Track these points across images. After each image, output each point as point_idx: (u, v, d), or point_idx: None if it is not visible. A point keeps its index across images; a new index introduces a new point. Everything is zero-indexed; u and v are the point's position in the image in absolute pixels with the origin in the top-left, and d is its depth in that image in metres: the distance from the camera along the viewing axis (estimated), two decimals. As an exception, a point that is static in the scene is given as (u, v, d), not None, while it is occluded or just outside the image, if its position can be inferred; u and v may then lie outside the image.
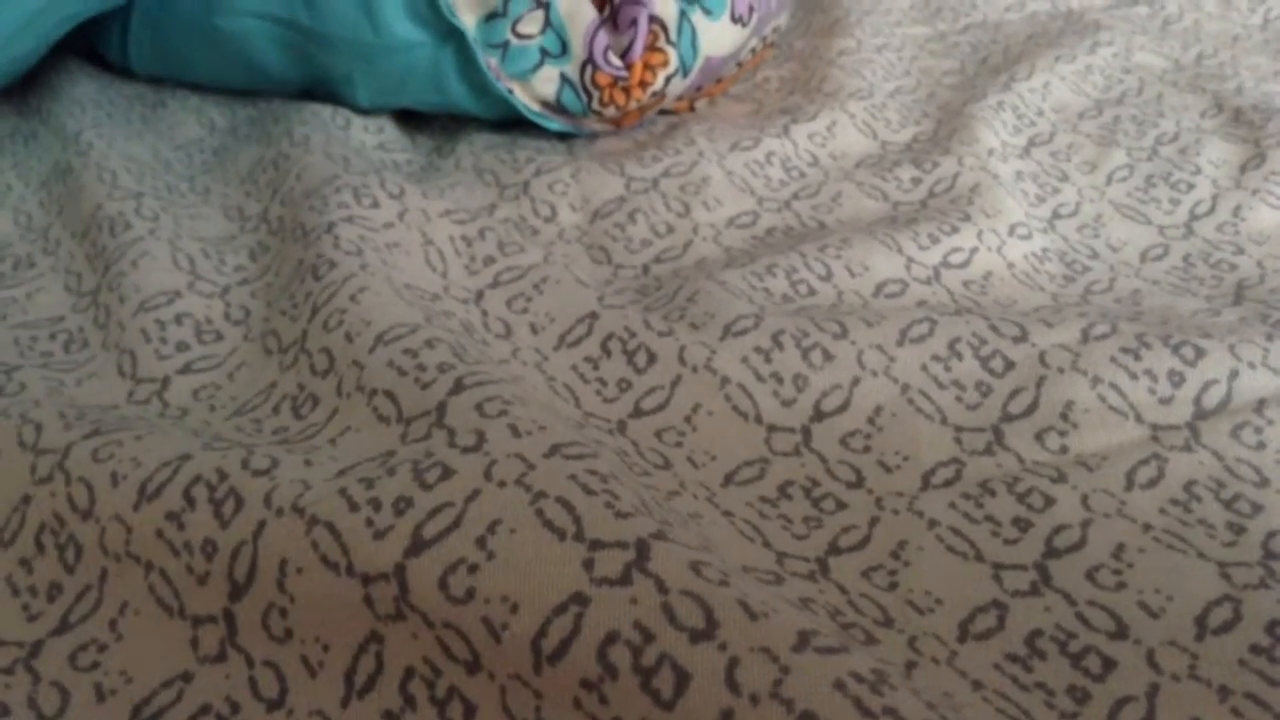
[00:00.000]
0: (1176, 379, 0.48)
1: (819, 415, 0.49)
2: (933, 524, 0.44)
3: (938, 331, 0.51)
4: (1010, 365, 0.49)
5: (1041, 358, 0.49)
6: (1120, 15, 0.97)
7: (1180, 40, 0.91)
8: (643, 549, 0.34)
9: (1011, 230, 0.63)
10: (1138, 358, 0.49)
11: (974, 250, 0.61)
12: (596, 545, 0.35)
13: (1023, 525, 0.43)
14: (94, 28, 0.80)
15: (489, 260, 0.60)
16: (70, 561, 0.41)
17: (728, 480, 0.46)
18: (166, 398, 0.51)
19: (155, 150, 0.73)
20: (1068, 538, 0.43)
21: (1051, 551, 0.42)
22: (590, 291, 0.57)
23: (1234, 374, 0.48)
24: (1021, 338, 0.50)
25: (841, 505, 0.45)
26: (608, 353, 0.53)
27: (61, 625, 0.40)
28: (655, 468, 0.46)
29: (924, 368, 0.50)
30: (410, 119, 0.80)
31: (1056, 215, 0.67)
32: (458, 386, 0.44)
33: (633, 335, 0.53)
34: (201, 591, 0.39)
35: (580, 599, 0.33)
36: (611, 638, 0.32)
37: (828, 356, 0.50)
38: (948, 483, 0.46)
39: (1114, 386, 0.48)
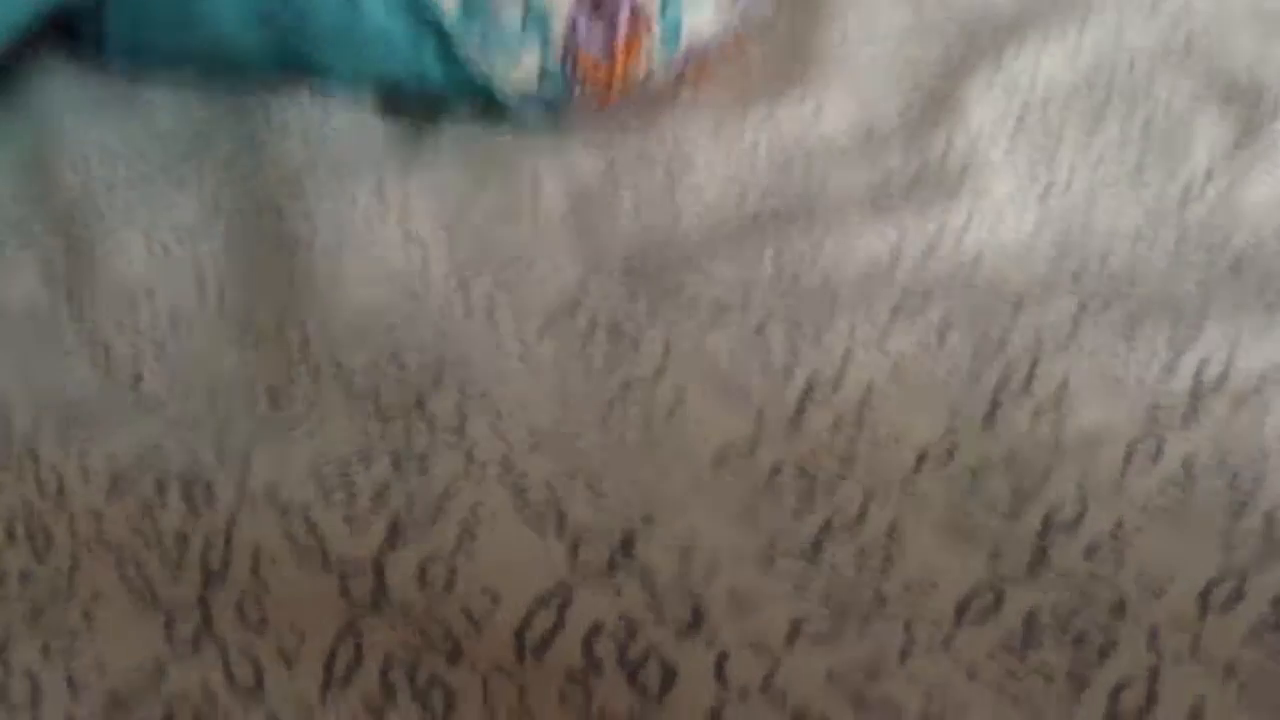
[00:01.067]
0: (1173, 356, 0.48)
1: (810, 396, 0.48)
2: (927, 504, 0.43)
3: (929, 311, 0.50)
4: (1003, 344, 0.48)
5: (1035, 335, 0.48)
6: (1110, -7, 0.97)
7: (1170, 19, 0.91)
8: (628, 537, 0.34)
9: (1002, 210, 0.62)
10: (1133, 335, 0.48)
11: (964, 230, 0.60)
12: (580, 534, 0.34)
13: (1018, 505, 0.42)
14: (69, 18, 0.79)
15: (471, 244, 0.59)
16: (40, 549, 0.41)
17: (718, 463, 0.45)
18: (141, 389, 0.50)
19: (131, 139, 0.72)
20: (1064, 516, 0.41)
21: (1048, 531, 0.41)
22: (574, 275, 0.56)
23: (1231, 350, 0.47)
24: (1014, 316, 0.49)
25: (834, 487, 0.44)
26: (593, 337, 0.51)
27: (33, 613, 0.39)
28: (643, 449, 0.45)
29: (917, 346, 0.49)
30: (390, 103, 0.79)
31: (1048, 194, 0.66)
32: (438, 375, 0.44)
33: (617, 321, 0.52)
34: (176, 580, 0.38)
35: (564, 590, 0.33)
36: (596, 630, 0.32)
37: (817, 338, 0.49)
38: (941, 463, 0.45)
39: (1110, 363, 0.47)
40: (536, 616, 0.32)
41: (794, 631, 0.31)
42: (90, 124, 0.72)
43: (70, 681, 0.37)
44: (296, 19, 0.71)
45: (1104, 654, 0.36)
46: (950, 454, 0.45)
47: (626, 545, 0.34)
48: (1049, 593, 0.39)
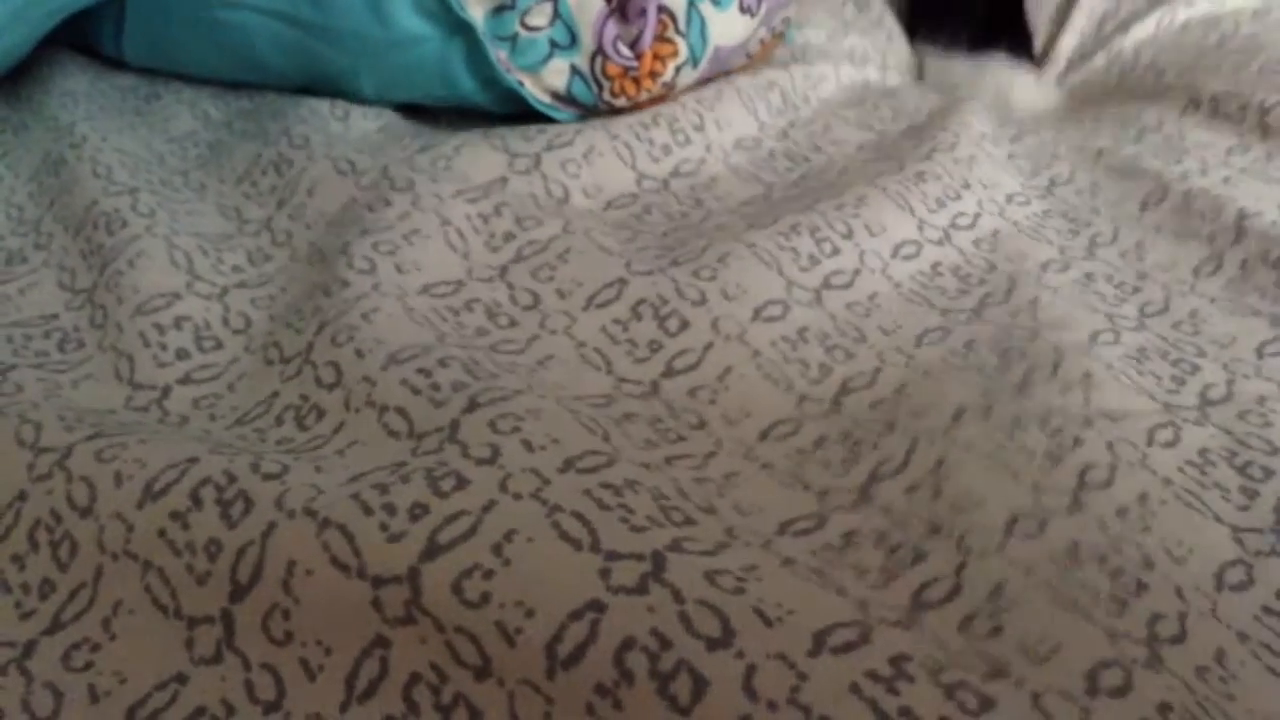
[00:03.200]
0: (1178, 381, 0.49)
1: (847, 389, 0.48)
2: (969, 446, 0.43)
3: (952, 337, 0.51)
4: (1023, 354, 0.49)
5: (1056, 348, 0.49)
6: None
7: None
8: (659, 561, 0.34)
9: (1010, 198, 0.64)
10: (1142, 361, 0.50)
11: (978, 215, 0.61)
12: (613, 556, 0.34)
13: (1055, 457, 0.43)
14: (85, 20, 0.77)
15: (509, 236, 0.58)
16: (64, 558, 0.40)
17: (763, 436, 0.46)
18: (166, 406, 0.49)
19: (149, 143, 0.71)
20: (1097, 476, 0.42)
21: (1083, 486, 0.41)
22: (616, 259, 0.55)
23: (1230, 381, 0.49)
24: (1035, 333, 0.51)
25: (877, 445, 0.45)
26: (638, 316, 0.51)
27: (54, 624, 0.39)
28: (691, 428, 0.45)
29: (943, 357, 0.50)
30: (411, 111, 0.77)
31: (1053, 185, 0.67)
32: (472, 404, 0.43)
33: (665, 302, 0.51)
34: (200, 592, 0.37)
35: (597, 606, 0.33)
36: (628, 644, 0.32)
37: (849, 355, 0.50)
38: (980, 417, 0.45)
39: (1125, 374, 0.48)
40: (569, 630, 0.32)
41: (817, 646, 0.31)
42: (109, 128, 0.70)
43: (91, 693, 0.36)
44: (323, 28, 0.69)
45: (1139, 591, 0.37)
46: (987, 411, 0.46)
47: (657, 568, 0.34)
48: (1086, 532, 0.39)
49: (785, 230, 0.57)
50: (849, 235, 0.57)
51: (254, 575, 0.37)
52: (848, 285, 0.55)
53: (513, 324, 0.51)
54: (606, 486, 0.38)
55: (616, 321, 0.51)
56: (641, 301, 0.52)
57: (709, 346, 0.49)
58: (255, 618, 0.36)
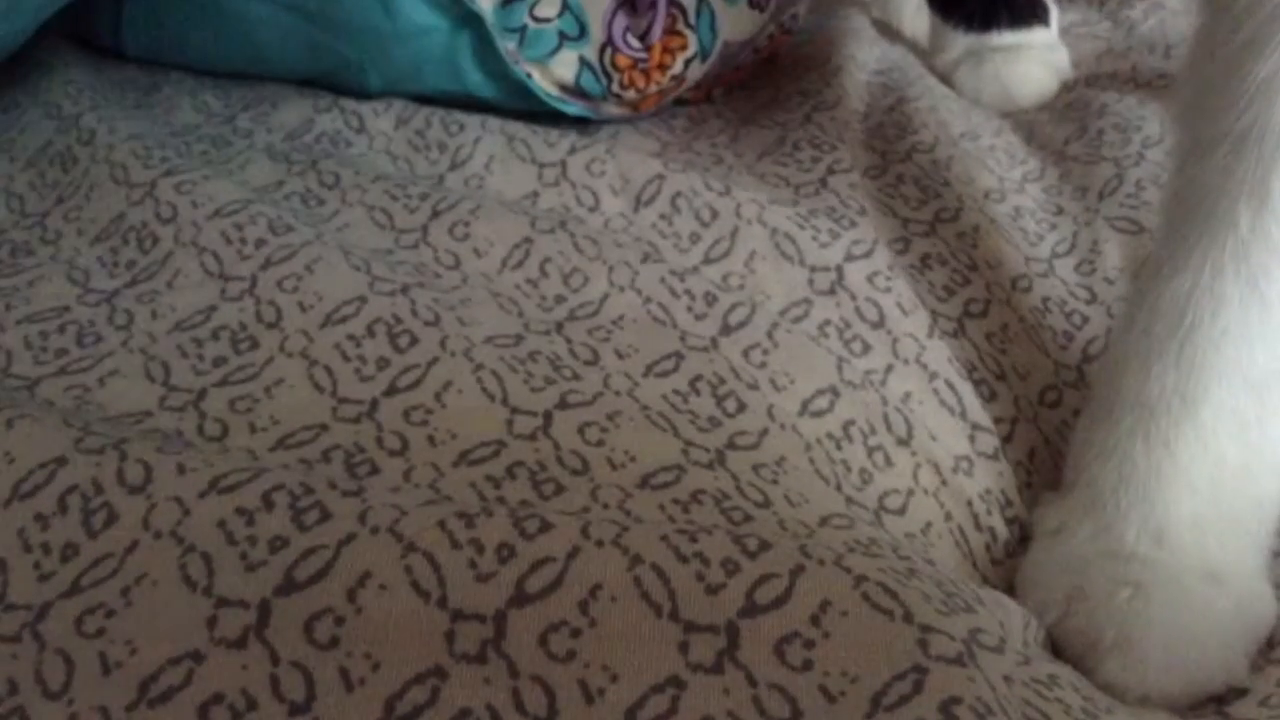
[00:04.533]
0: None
1: (884, 509, 0.49)
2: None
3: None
4: None
5: None
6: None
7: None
8: (732, 635, 0.34)
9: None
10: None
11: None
12: (690, 628, 0.35)
13: None
14: (83, 10, 0.74)
15: (559, 299, 0.56)
16: (95, 527, 0.38)
17: (823, 523, 0.45)
18: (203, 408, 0.47)
19: (155, 136, 0.67)
20: None
21: None
22: (670, 331, 0.54)
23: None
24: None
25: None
26: (697, 391, 0.50)
27: (73, 587, 0.37)
28: (756, 506, 0.44)
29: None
30: (423, 116, 0.73)
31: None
32: (545, 525, 0.43)
33: (722, 381, 0.51)
34: (244, 577, 0.36)
35: (677, 682, 0.33)
36: None
37: (889, 461, 0.51)
38: None
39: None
40: (650, 700, 0.33)
41: (874, 707, 0.33)
42: (118, 122, 0.67)
43: (103, 662, 0.35)
44: (329, 19, 0.68)
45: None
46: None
47: (731, 645, 0.34)
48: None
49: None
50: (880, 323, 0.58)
51: (316, 576, 0.36)
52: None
53: (577, 377, 0.49)
54: (683, 532, 0.38)
55: (676, 392, 0.50)
56: (699, 377, 0.51)
57: (765, 431, 0.48)
58: (300, 616, 0.35)
